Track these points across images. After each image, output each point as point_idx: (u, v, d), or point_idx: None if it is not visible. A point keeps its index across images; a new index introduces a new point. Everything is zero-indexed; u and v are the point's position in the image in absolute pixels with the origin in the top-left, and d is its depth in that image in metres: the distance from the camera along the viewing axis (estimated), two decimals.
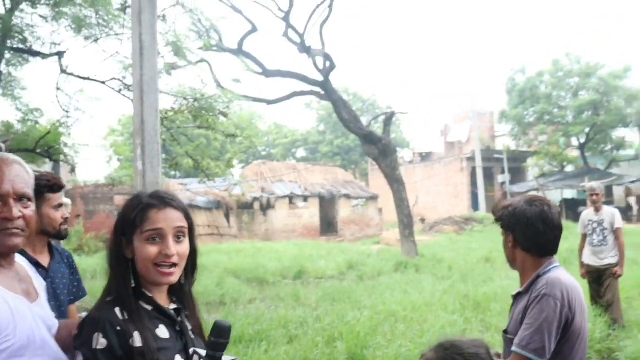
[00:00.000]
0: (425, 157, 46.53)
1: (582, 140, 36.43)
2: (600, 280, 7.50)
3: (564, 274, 2.55)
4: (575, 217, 31.06)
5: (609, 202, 33.73)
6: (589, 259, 7.60)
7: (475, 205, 37.11)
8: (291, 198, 30.34)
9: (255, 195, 29.52)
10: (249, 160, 47.65)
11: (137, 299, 1.82)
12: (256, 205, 29.41)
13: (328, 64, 16.73)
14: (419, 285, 11.24)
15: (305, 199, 30.92)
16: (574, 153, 38.29)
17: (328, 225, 32.29)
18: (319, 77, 16.93)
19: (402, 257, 16.42)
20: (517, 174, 40.37)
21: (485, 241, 21.91)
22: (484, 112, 43.26)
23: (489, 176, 38.47)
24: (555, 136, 35.63)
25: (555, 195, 36.12)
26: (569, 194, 37.63)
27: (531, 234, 2.55)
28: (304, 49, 16.40)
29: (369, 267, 15.00)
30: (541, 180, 34.30)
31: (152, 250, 1.80)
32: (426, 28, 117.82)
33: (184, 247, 1.87)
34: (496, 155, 38.86)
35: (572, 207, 33.50)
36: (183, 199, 2.85)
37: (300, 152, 56.37)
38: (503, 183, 38.95)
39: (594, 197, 7.58)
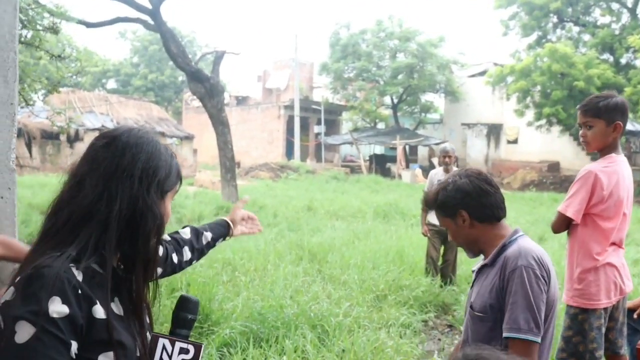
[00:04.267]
0: (241, 101, 46.06)
1: (396, 101, 38.06)
2: (443, 239, 7.64)
3: (530, 241, 2.34)
4: (384, 172, 32.78)
5: (414, 161, 35.82)
6: (435, 219, 7.67)
7: (289, 153, 37.52)
8: (102, 131, 28.40)
9: (62, 124, 27.23)
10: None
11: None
12: (62, 137, 27.16)
13: None
14: None
15: None
16: (386, 112, 39.96)
17: None
18: (149, 5, 15.68)
19: (222, 201, 16.03)
20: (332, 127, 41.41)
21: (302, 189, 22.22)
22: (304, 62, 43.51)
23: (305, 126, 38.99)
24: (372, 93, 36.87)
25: (367, 150, 37.57)
26: (379, 149, 39.35)
27: (485, 200, 2.33)
28: None
29: (188, 209, 14.41)
30: (355, 134, 35.39)
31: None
32: None
33: None
34: (313, 106, 39.48)
35: (381, 163, 35.14)
36: None
37: (111, 84, 53.19)
38: (318, 134, 39.77)
39: (447, 159, 7.61)
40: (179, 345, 1.57)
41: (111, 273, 1.41)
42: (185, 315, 1.63)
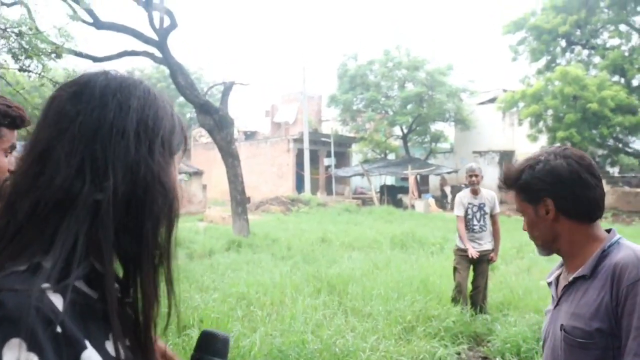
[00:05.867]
0: (249, 135, 45.91)
1: (406, 131, 37.77)
2: (474, 265, 7.16)
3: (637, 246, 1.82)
4: (396, 203, 32.31)
5: (426, 191, 35.41)
6: (461, 242, 7.19)
7: (299, 187, 37.15)
8: None
9: None
10: None
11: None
12: None
13: (168, 21, 15.30)
14: (261, 265, 10.53)
15: None
16: (397, 142, 39.65)
17: None
18: (155, 37, 15.45)
19: (233, 236, 15.59)
20: (342, 159, 41.10)
21: (314, 222, 21.77)
22: (312, 95, 43.40)
23: (314, 159, 38.68)
24: (382, 124, 36.60)
25: (378, 181, 37.17)
26: (390, 180, 38.94)
27: (581, 192, 1.82)
28: (144, 2, 14.80)
29: (199, 244, 14.00)
30: (365, 165, 35.04)
31: None
32: (258, 4, 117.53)
33: None
34: (323, 139, 39.19)
35: (392, 194, 34.71)
36: None
37: None
38: (328, 166, 39.45)
39: (473, 179, 7.15)
40: None
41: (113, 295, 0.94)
42: (211, 359, 1.15)
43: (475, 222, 7.11)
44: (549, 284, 2.01)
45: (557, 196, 1.86)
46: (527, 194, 1.94)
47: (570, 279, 1.91)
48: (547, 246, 1.96)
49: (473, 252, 6.96)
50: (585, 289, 1.83)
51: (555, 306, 1.97)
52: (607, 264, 1.78)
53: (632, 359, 1.66)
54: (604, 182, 5.95)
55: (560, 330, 1.88)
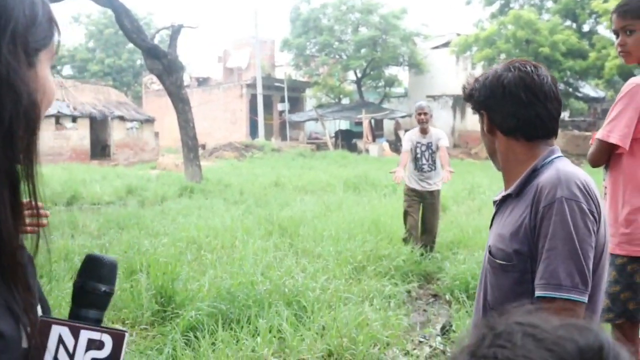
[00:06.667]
0: (202, 82, 45.07)
1: (360, 75, 37.57)
2: (423, 204, 7.16)
3: (571, 165, 1.75)
4: (350, 147, 32.34)
5: (380, 135, 35.48)
6: (416, 184, 7.13)
7: (253, 133, 36.83)
8: (58, 117, 27.21)
9: None
10: None
11: None
12: None
13: None
14: (213, 210, 10.41)
15: (74, 119, 28.01)
16: (351, 87, 39.48)
17: (100, 149, 29.87)
18: None
19: (185, 182, 15.38)
20: (296, 104, 40.78)
21: (268, 167, 21.69)
22: (265, 39, 42.67)
23: (268, 104, 38.27)
24: (335, 69, 36.33)
25: (332, 126, 37.08)
26: (345, 125, 38.88)
27: (511, 108, 1.74)
28: None
29: (151, 191, 13.77)
30: (319, 110, 34.84)
31: None
32: None
33: None
34: (276, 84, 38.77)
35: (347, 138, 34.72)
36: None
37: (67, 70, 51.57)
38: (282, 112, 39.14)
39: (422, 117, 7.01)
40: (85, 335, 0.94)
41: None
42: (95, 285, 1.00)
43: (424, 161, 7.06)
44: (494, 202, 1.94)
45: (490, 110, 1.81)
46: (472, 104, 1.90)
47: (497, 198, 1.86)
48: (490, 157, 1.92)
49: (398, 177, 6.96)
50: (512, 208, 1.78)
51: (490, 226, 1.92)
52: (535, 183, 1.71)
53: (539, 281, 1.62)
54: None
55: (487, 252, 1.84)
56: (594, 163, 3.01)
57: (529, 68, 1.76)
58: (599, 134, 2.91)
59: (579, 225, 1.59)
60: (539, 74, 1.75)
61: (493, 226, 1.88)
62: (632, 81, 2.86)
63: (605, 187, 3.03)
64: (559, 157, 1.77)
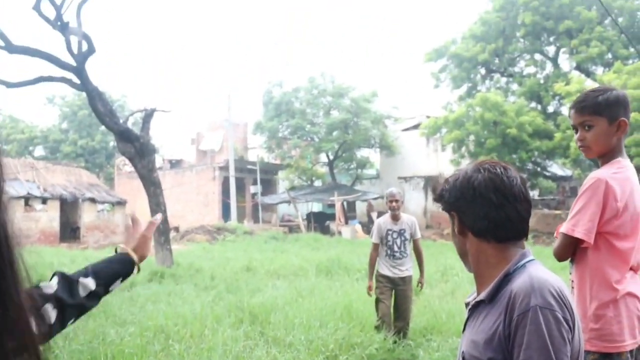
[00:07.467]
0: (175, 164, 45.16)
1: (332, 157, 38.00)
2: (397, 293, 7.10)
3: (544, 269, 1.71)
4: (323, 230, 32.31)
5: (353, 217, 35.59)
6: (388, 270, 7.08)
7: (226, 215, 36.70)
8: (27, 199, 27.02)
9: None
10: None
11: None
12: None
13: (86, 46, 14.85)
14: (182, 297, 10.21)
15: (44, 200, 27.79)
16: (323, 169, 39.84)
17: (70, 231, 29.50)
18: (73, 62, 14.97)
19: (156, 266, 15.13)
20: (269, 186, 40.93)
21: (240, 251, 21.49)
22: (238, 122, 43.18)
23: (240, 187, 38.34)
24: (308, 151, 36.72)
25: (304, 208, 37.13)
26: (317, 207, 38.98)
27: (481, 209, 1.74)
28: (60, 26, 14.30)
29: None
30: (292, 193, 34.96)
31: None
32: (186, 29, 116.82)
33: None
34: (249, 166, 38.98)
35: (320, 220, 34.74)
36: None
37: (39, 151, 51.39)
38: (255, 194, 39.19)
39: (393, 204, 7.03)
40: None
41: None
42: None
43: (395, 249, 7.05)
44: (466, 305, 1.91)
45: (461, 211, 1.81)
46: (443, 205, 1.89)
47: (470, 301, 1.84)
48: (461, 258, 1.90)
49: (370, 284, 7.06)
50: (485, 315, 1.73)
51: (463, 330, 1.88)
52: (508, 289, 1.68)
53: None
54: None
55: (462, 358, 1.79)
56: (560, 257, 2.96)
57: (498, 170, 1.77)
58: (563, 228, 2.89)
59: (554, 335, 1.55)
60: (509, 175, 1.75)
61: (466, 331, 1.83)
62: (593, 175, 2.88)
63: (572, 281, 3.00)
64: (530, 260, 1.75)
